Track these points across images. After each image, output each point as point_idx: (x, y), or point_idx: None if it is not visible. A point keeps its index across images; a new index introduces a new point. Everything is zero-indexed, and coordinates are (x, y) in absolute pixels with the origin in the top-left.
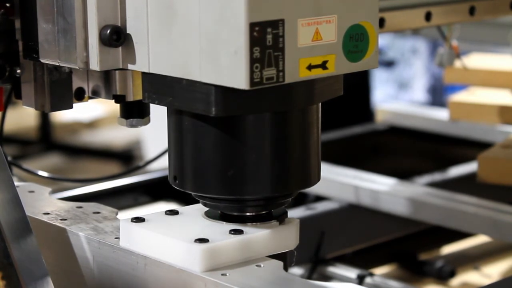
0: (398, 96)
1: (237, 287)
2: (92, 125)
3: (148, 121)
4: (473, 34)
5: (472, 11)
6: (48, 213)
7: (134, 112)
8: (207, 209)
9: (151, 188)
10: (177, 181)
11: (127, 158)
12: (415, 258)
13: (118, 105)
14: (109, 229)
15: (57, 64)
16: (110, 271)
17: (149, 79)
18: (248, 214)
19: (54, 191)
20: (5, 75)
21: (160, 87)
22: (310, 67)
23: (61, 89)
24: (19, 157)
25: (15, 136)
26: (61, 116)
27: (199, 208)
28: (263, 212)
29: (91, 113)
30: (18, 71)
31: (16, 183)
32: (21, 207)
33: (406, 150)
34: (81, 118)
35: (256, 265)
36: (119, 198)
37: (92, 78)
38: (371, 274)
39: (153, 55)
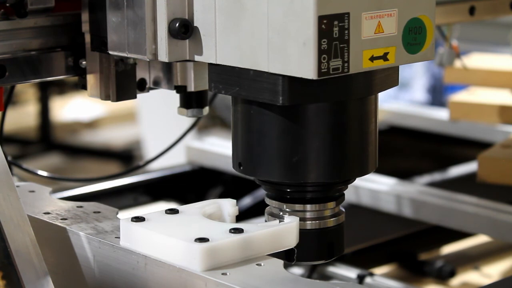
0: (398, 96)
1: (238, 286)
2: (92, 125)
3: (207, 111)
4: (473, 34)
5: (472, 11)
6: (48, 213)
7: (193, 102)
8: (207, 208)
9: (151, 188)
10: (241, 168)
11: (127, 158)
12: (415, 258)
13: (117, 105)
14: (109, 228)
15: (125, 55)
16: (111, 270)
17: (215, 70)
18: (308, 197)
19: (54, 191)
20: (4, 75)
21: (226, 77)
22: (372, 59)
23: (126, 80)
24: (19, 157)
25: (15, 136)
26: (61, 116)
27: (199, 207)
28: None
29: (91, 113)
30: (84, 62)
31: (16, 183)
32: (21, 206)
33: (406, 150)
34: (81, 118)
35: (257, 264)
36: (119, 198)
37: (154, 69)
38: (371, 274)
39: (220, 47)
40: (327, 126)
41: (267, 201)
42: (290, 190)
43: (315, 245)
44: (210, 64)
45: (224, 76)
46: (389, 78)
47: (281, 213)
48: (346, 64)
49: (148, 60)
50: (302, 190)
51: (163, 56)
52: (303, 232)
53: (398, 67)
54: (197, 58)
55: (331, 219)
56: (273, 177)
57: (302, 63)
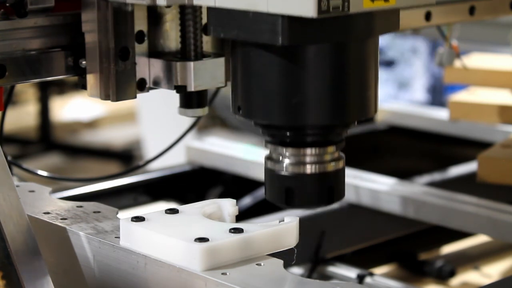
0: (398, 96)
1: (237, 286)
2: (92, 125)
3: (207, 111)
4: (473, 34)
5: (472, 11)
6: (48, 213)
7: (193, 102)
8: (207, 208)
9: (151, 188)
10: (240, 111)
11: (127, 158)
12: (415, 258)
13: (117, 105)
14: (109, 228)
15: (124, 1)
16: (111, 270)
17: (214, 13)
18: (307, 141)
19: (54, 191)
20: (4, 75)
21: (226, 20)
22: None
23: (126, 80)
24: (19, 157)
25: (15, 136)
26: (61, 116)
27: (198, 207)
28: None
29: (91, 113)
30: (84, 62)
31: (16, 183)
32: (21, 206)
33: (406, 150)
34: (81, 118)
35: (257, 264)
36: (119, 198)
37: (154, 69)
38: (371, 274)
39: None
40: (326, 68)
41: (266, 146)
42: (289, 134)
43: (315, 190)
44: (209, 8)
45: (222, 18)
46: (390, 21)
47: (280, 158)
48: (346, 3)
49: (146, 4)
50: (301, 133)
51: (162, 0)
52: (302, 177)
53: (399, 10)
54: (196, 1)
55: (331, 163)
56: (272, 119)
57: (302, 1)
